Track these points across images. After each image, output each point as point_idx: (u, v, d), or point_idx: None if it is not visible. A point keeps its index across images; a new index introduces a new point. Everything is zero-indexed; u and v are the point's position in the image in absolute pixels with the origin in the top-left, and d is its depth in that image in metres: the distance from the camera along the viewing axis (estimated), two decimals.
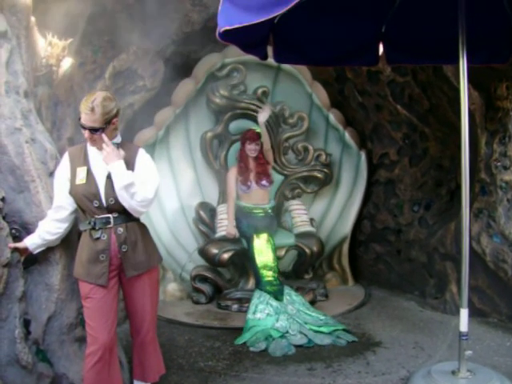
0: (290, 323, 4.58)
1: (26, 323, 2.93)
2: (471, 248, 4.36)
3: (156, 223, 5.61)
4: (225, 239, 5.38)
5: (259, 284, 4.97)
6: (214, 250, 5.38)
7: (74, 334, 3.13)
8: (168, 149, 5.81)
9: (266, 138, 5.29)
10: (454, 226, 5.05)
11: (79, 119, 2.90)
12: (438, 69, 4.89)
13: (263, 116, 5.19)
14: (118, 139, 3.02)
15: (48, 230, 2.97)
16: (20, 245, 2.94)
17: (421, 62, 4.53)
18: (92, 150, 3.00)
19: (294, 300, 4.87)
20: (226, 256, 5.36)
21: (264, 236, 5.12)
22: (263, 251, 5.05)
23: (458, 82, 3.57)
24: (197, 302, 5.58)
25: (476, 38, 3.59)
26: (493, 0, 3.69)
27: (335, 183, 6.16)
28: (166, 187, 5.66)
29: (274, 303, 4.75)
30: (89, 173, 2.95)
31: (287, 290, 4.95)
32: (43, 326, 3.01)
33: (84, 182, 2.93)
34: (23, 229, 3.06)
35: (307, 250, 5.59)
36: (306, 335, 4.48)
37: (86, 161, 2.99)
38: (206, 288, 5.60)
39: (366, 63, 4.65)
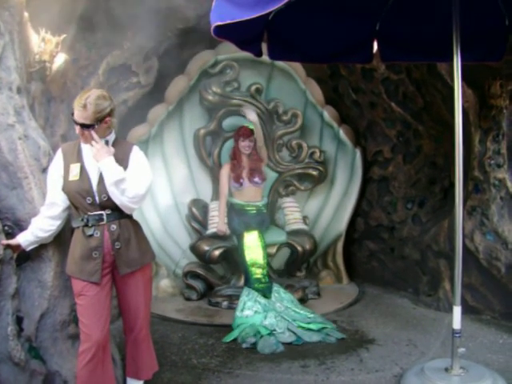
0: (277, 321, 4.58)
1: (19, 320, 2.92)
2: (464, 246, 4.37)
3: (149, 219, 5.64)
4: (216, 236, 5.38)
5: (248, 281, 4.97)
6: (205, 247, 5.40)
7: (66, 331, 3.12)
8: (162, 145, 5.81)
9: (259, 135, 5.28)
10: (448, 224, 5.06)
11: (72, 114, 2.90)
12: (432, 66, 4.89)
13: (252, 115, 5.21)
14: (112, 137, 3.02)
15: (41, 226, 2.95)
16: (13, 241, 2.92)
17: (415, 59, 4.55)
18: (85, 147, 2.98)
19: (282, 297, 4.86)
20: (216, 253, 5.37)
21: (254, 233, 5.10)
22: (253, 249, 5.04)
23: (452, 80, 3.58)
24: (188, 299, 5.59)
25: (470, 36, 3.59)
26: None
27: (330, 181, 6.12)
28: (159, 184, 5.69)
29: (262, 301, 4.75)
30: (82, 169, 2.94)
31: (276, 287, 4.95)
32: (36, 323, 3.00)
33: (77, 178, 2.92)
34: (16, 225, 3.05)
35: (299, 248, 5.59)
36: (294, 333, 4.48)
37: (79, 157, 2.98)
38: (197, 285, 5.60)
39: (360, 60, 4.64)
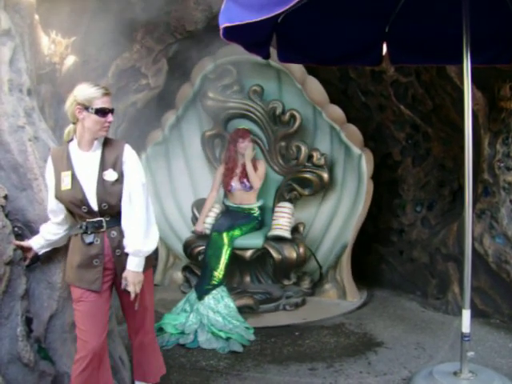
0: (191, 323, 4.54)
1: (28, 321, 2.93)
2: (473, 249, 4.35)
3: (171, 215, 6.02)
4: (203, 235, 5.40)
5: (199, 279, 5.03)
6: (190, 244, 5.47)
7: (75, 333, 3.12)
8: (183, 147, 6.03)
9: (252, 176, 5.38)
10: (457, 227, 5.04)
11: (92, 107, 2.74)
12: (442, 69, 4.88)
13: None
14: None
15: (49, 230, 2.93)
16: (24, 243, 2.92)
17: (424, 62, 4.53)
18: (74, 152, 2.85)
19: (218, 301, 4.75)
20: (195, 251, 5.41)
21: (222, 235, 5.06)
22: (214, 250, 5.03)
23: (462, 83, 3.57)
24: (183, 292, 5.64)
25: (480, 39, 3.58)
26: (497, 0, 3.69)
27: (340, 188, 5.68)
28: (181, 182, 6.04)
29: (193, 301, 4.74)
30: (73, 178, 2.79)
31: (217, 291, 4.83)
32: (45, 324, 3.01)
33: (69, 187, 2.78)
34: (26, 227, 3.06)
35: (275, 255, 5.25)
36: (196, 336, 4.43)
37: (69, 164, 2.82)
38: (192, 279, 5.64)
39: (369, 63, 4.63)
